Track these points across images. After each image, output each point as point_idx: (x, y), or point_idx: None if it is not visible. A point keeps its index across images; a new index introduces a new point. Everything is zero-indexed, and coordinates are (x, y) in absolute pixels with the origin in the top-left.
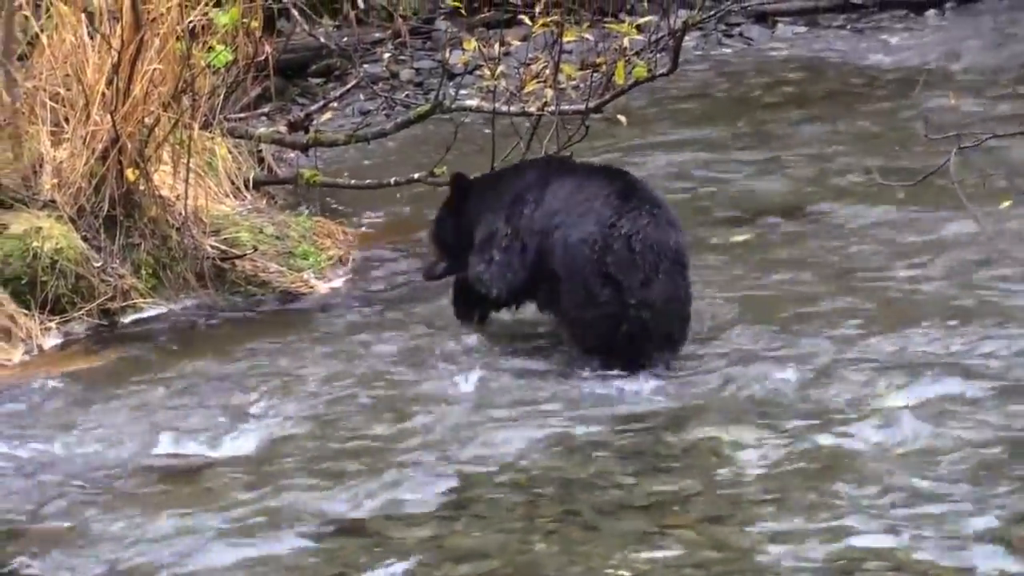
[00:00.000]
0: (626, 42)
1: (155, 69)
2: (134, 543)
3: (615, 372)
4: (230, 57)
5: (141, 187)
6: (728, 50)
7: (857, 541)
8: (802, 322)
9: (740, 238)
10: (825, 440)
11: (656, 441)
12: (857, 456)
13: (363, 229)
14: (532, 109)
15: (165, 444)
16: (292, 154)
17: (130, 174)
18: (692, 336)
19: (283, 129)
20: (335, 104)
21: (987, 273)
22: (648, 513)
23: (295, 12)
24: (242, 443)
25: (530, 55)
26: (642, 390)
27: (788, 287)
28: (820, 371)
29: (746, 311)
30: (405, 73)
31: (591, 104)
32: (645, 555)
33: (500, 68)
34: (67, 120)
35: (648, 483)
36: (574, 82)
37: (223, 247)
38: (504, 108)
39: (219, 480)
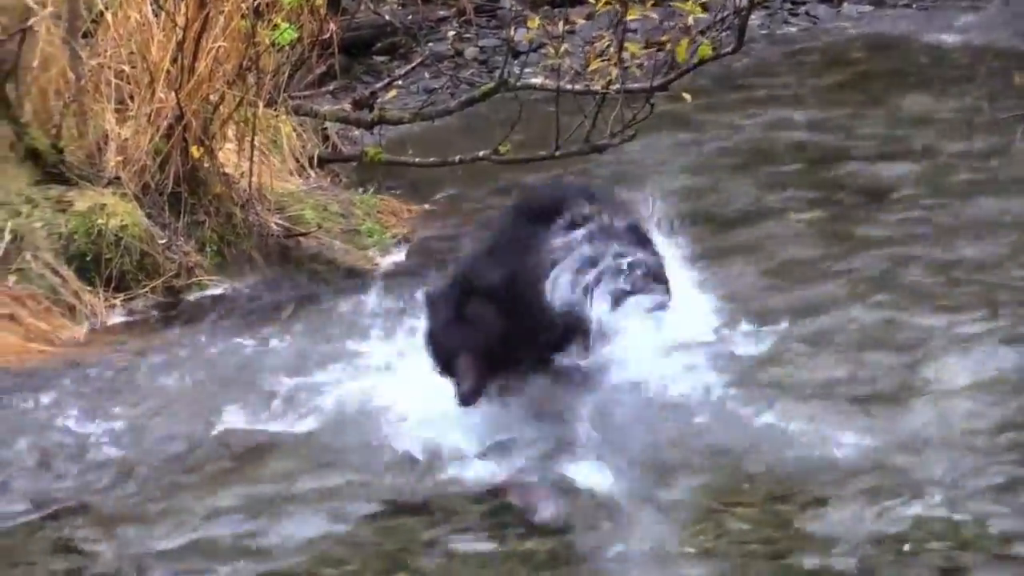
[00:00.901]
0: (691, 20)
1: (220, 47)
2: (199, 519)
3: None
4: (295, 35)
5: (205, 164)
6: (793, 29)
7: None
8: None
9: (809, 215)
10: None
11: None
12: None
13: (427, 207)
14: (596, 87)
15: (229, 420)
16: (356, 132)
17: (194, 151)
18: None
19: (348, 107)
20: (400, 82)
21: None
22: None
23: None
24: (306, 420)
25: (594, 33)
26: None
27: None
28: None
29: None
30: (469, 51)
31: (655, 82)
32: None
33: (564, 46)
34: (132, 97)
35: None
36: (638, 60)
37: (287, 224)
38: (568, 86)
39: (283, 456)
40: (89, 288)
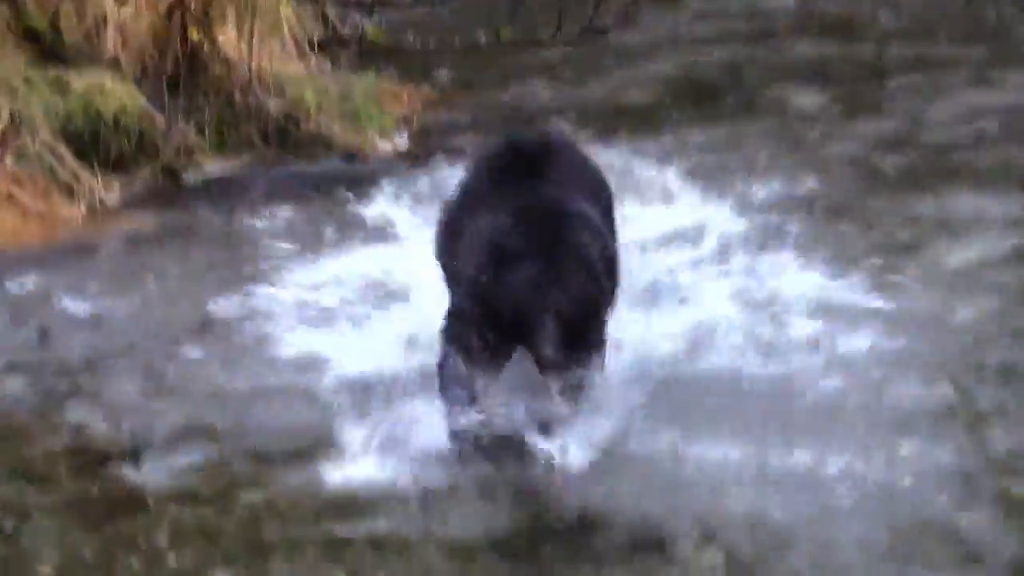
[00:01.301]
0: None
1: None
2: (200, 400)
3: None
4: None
5: (205, 47)
6: None
7: None
8: None
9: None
10: None
11: None
12: None
13: (427, 91)
14: None
15: (229, 300)
16: (357, 15)
17: (194, 33)
18: None
19: None
20: None
21: None
22: None
23: None
24: (300, 309)
25: None
26: None
27: None
28: None
29: None
30: None
31: None
32: None
33: None
34: None
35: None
36: None
37: (287, 107)
38: None
39: (279, 341)
40: (87, 169)
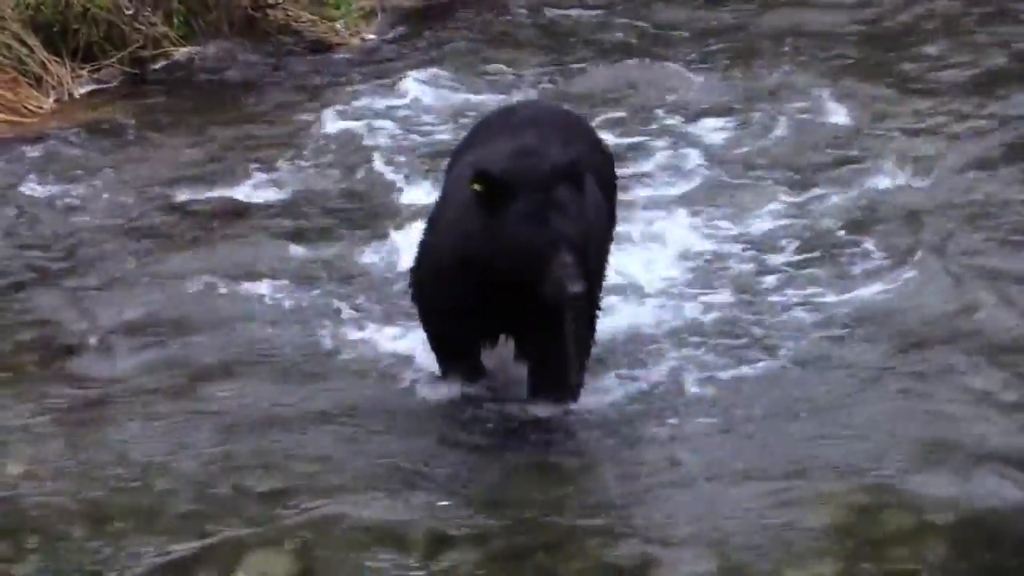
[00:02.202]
0: None
1: None
2: (165, 287)
3: None
4: None
5: None
6: None
7: None
8: None
9: None
10: None
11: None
12: None
13: None
14: None
15: (194, 190)
16: None
17: None
18: None
19: None
20: None
21: None
22: None
23: None
24: (268, 194)
25: None
26: None
27: None
28: None
29: None
30: None
31: None
32: None
33: None
34: None
35: None
36: None
37: None
38: None
39: (247, 227)
40: (56, 59)
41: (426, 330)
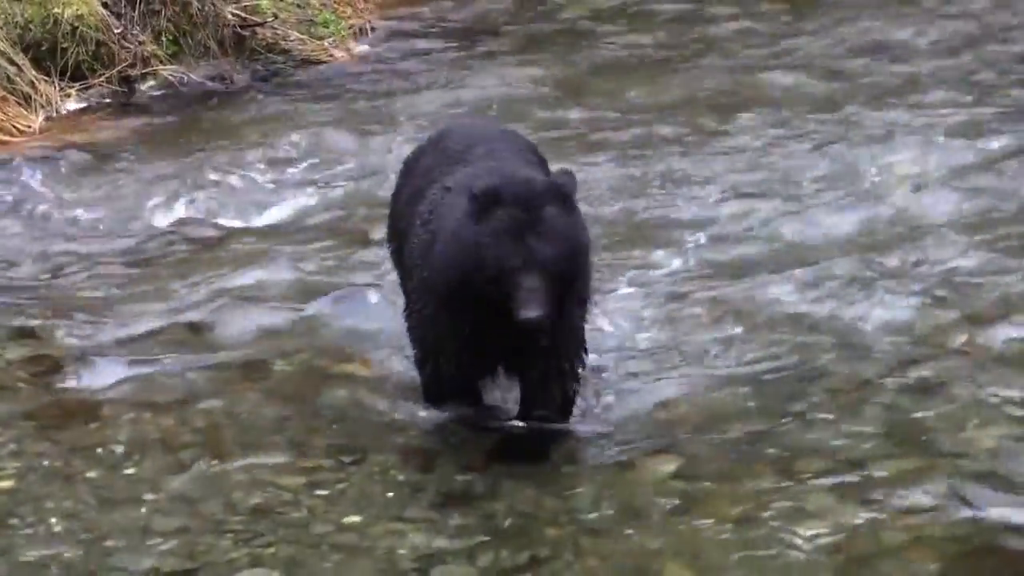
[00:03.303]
0: None
1: None
2: (154, 308)
3: None
4: None
5: None
6: None
7: None
8: None
9: None
10: None
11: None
12: None
13: None
14: None
15: (184, 212)
16: None
17: None
18: None
19: None
20: None
21: None
22: None
23: None
24: (257, 215)
25: None
26: None
27: None
28: None
29: None
30: None
31: None
32: None
33: None
34: None
35: None
36: None
37: (243, 14)
38: None
39: (235, 248)
40: (45, 78)
41: (423, 365)
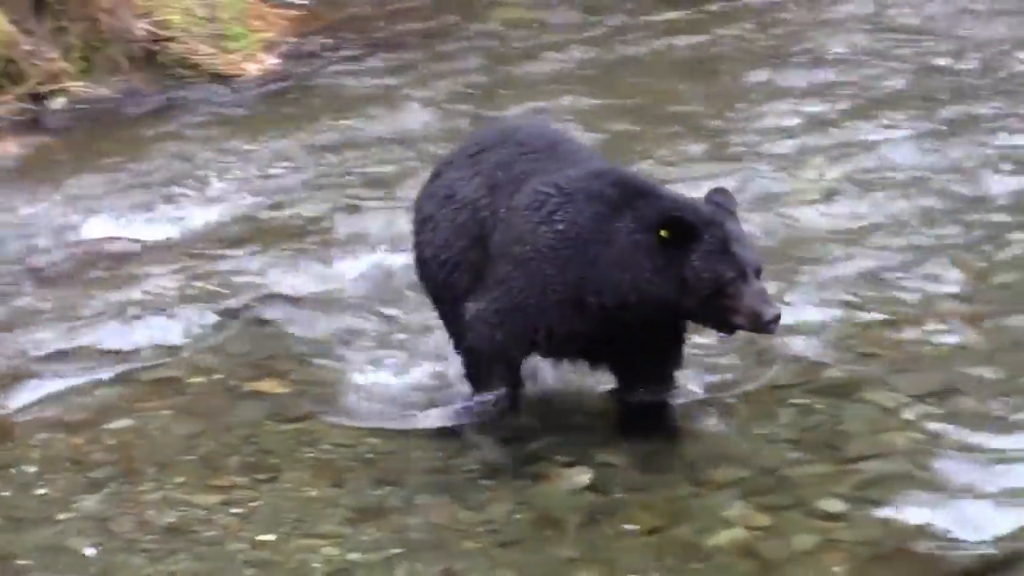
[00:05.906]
0: None
1: None
2: (71, 325)
3: None
4: None
5: None
6: None
7: None
8: None
9: None
10: None
11: None
12: None
13: (293, 12)
14: None
15: (98, 229)
16: None
17: None
18: None
19: None
20: None
21: None
22: None
23: None
24: (168, 229)
25: None
26: None
27: None
28: None
29: None
30: None
31: None
32: None
33: None
34: None
35: None
36: None
37: (153, 29)
38: None
39: (147, 263)
40: None
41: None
